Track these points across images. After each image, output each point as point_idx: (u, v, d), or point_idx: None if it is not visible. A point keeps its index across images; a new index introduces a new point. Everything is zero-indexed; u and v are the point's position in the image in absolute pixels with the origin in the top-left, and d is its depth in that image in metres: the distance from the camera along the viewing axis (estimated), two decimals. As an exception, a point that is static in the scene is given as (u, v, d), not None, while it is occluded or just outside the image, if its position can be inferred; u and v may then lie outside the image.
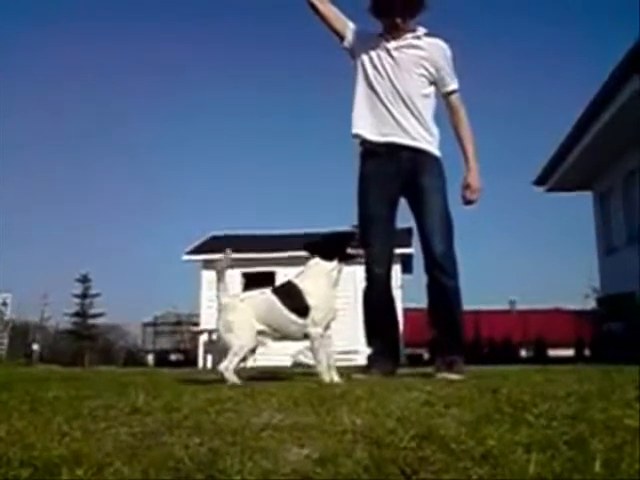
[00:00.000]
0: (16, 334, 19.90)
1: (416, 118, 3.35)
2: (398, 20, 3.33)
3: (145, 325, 21.80)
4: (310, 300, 2.87)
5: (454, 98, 3.46)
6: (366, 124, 3.38)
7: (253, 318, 2.84)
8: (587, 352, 12.27)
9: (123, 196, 37.40)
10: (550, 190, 13.08)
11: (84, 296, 23.41)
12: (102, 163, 35.76)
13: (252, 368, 5.24)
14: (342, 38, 3.47)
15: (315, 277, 2.94)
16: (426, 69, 3.38)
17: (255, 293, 3.03)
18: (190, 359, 17.33)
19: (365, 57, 3.42)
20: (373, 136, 3.37)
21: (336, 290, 3.00)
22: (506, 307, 29.09)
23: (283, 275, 14.91)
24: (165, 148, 36.59)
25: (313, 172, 35.92)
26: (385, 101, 3.34)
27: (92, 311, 23.34)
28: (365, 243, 3.35)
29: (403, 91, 3.34)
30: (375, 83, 3.37)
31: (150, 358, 19.40)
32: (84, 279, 23.41)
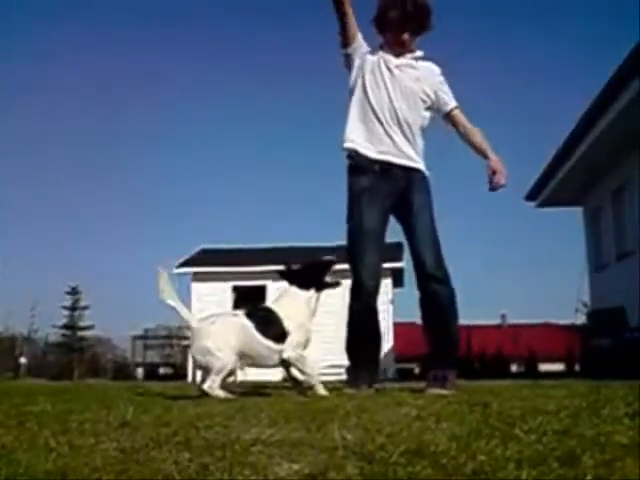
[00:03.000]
0: (3, 347, 19.69)
1: (408, 138, 3.36)
2: (405, 36, 3.32)
3: (135, 338, 21.64)
4: (288, 324, 2.85)
5: (457, 114, 3.48)
6: (361, 139, 3.36)
7: (228, 339, 2.79)
8: (577, 367, 12.30)
9: (113, 209, 37.31)
10: (541, 205, 13.19)
11: (73, 308, 23.25)
12: (94, 175, 35.70)
13: (242, 383, 5.21)
14: (348, 43, 3.40)
15: (293, 305, 2.94)
16: (424, 92, 3.41)
17: (227, 313, 2.99)
18: (179, 373, 17.22)
19: (365, 70, 3.38)
20: (369, 152, 3.34)
21: (313, 320, 3.00)
22: (497, 321, 29.19)
23: (275, 289, 14.90)
24: (156, 160, 36.56)
25: (306, 184, 35.99)
26: (381, 117, 3.33)
27: (81, 323, 23.18)
28: (356, 256, 3.34)
29: (400, 110, 3.33)
30: (372, 98, 3.35)
31: (139, 371, 19.23)
32: (73, 291, 23.27)
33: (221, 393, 2.71)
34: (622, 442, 1.14)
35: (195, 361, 2.88)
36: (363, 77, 3.39)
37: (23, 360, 18.67)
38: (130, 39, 32.67)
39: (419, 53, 3.45)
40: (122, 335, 23.12)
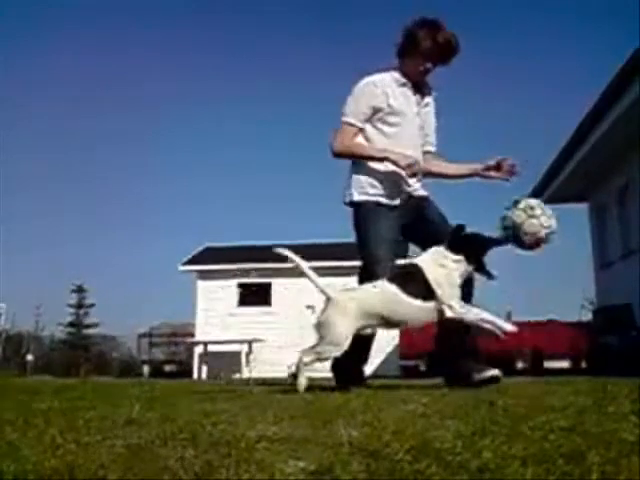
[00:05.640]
0: (10, 344, 19.79)
1: (418, 177, 3.49)
2: (428, 65, 3.39)
3: (140, 336, 21.72)
4: (434, 280, 2.78)
5: (431, 156, 3.63)
6: (383, 190, 3.39)
7: (359, 319, 2.75)
8: (583, 364, 12.26)
9: (118, 207, 37.43)
10: (546, 202, 13.14)
11: (79, 306, 23.37)
12: (98, 176, 35.80)
13: (249, 379, 5.22)
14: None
15: (440, 261, 2.85)
16: (428, 134, 3.59)
17: (368, 287, 2.90)
18: (185, 370, 17.26)
19: (392, 110, 3.40)
20: (391, 202, 3.40)
21: (458, 281, 2.87)
22: (502, 318, 29.06)
23: (279, 286, 14.91)
24: (159, 161, 36.60)
25: (309, 182, 35.97)
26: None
27: (87, 321, 23.29)
28: (370, 265, 3.30)
29: (418, 156, 3.43)
30: (397, 146, 3.38)
31: (145, 369, 19.30)
32: (79, 289, 23.38)
33: (302, 377, 2.70)
34: (628, 439, 1.14)
35: (318, 325, 2.81)
36: (386, 119, 3.40)
37: (30, 357, 18.75)
38: (130, 38, 32.65)
39: (433, 95, 3.57)
40: (127, 333, 23.22)
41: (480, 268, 2.94)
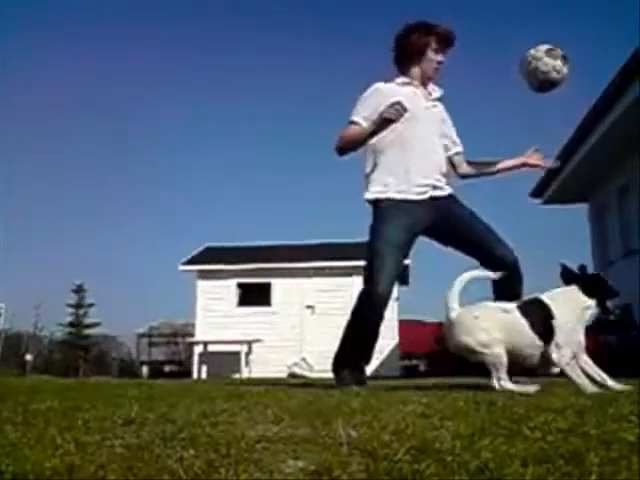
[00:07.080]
0: (9, 344, 19.79)
1: (441, 173, 3.49)
2: (439, 57, 3.46)
3: (139, 336, 21.71)
4: (556, 321, 2.66)
5: (460, 156, 3.65)
6: (403, 186, 3.38)
7: (493, 334, 2.66)
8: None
9: (118, 207, 37.42)
10: (546, 202, 13.14)
11: (79, 306, 23.36)
12: (98, 173, 35.78)
13: (249, 379, 5.22)
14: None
15: (570, 304, 2.72)
16: (445, 134, 3.59)
17: (493, 306, 2.83)
18: (185, 370, 17.27)
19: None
20: (412, 197, 3.39)
21: (582, 329, 2.73)
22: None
23: (279, 286, 14.93)
24: (159, 161, 36.58)
25: (310, 182, 35.97)
26: (422, 163, 3.41)
27: (86, 321, 23.29)
28: (377, 267, 3.29)
29: (436, 155, 3.46)
30: (415, 144, 3.40)
31: (144, 369, 19.30)
32: (79, 289, 23.38)
33: (513, 386, 2.63)
34: (628, 440, 1.14)
35: (467, 355, 2.74)
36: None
37: (29, 357, 18.75)
38: (130, 38, 32.58)
39: (441, 92, 3.59)
40: (127, 333, 23.22)
41: (605, 312, 2.81)
